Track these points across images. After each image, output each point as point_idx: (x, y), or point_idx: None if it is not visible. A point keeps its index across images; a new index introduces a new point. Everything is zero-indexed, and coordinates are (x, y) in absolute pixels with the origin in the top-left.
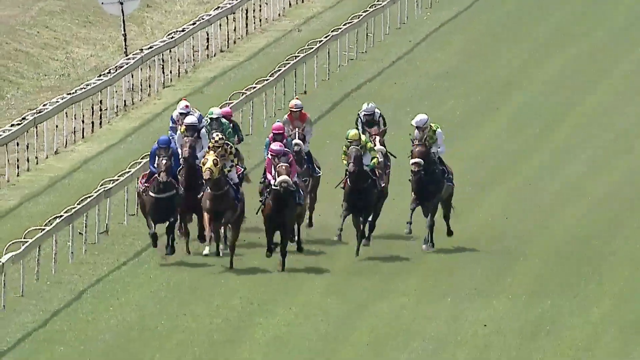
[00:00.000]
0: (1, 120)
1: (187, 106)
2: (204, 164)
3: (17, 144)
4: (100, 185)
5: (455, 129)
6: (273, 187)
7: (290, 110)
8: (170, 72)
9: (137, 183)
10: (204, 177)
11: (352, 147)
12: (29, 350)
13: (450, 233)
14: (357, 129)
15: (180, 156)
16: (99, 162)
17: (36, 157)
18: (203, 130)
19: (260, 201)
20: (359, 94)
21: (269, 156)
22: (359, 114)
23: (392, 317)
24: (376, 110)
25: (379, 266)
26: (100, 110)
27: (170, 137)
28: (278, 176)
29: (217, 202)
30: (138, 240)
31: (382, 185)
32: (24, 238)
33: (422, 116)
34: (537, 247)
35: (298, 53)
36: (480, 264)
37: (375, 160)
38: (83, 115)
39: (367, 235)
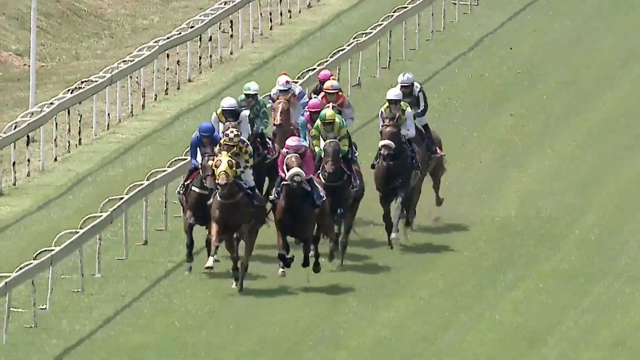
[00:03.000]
0: None
1: (287, 82)
2: (216, 167)
3: None
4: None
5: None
6: (284, 183)
7: (325, 92)
8: None
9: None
10: (219, 182)
11: (329, 141)
12: None
13: (439, 202)
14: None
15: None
16: (350, 17)
17: (289, 11)
18: (244, 113)
19: (271, 201)
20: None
21: (283, 151)
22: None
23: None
24: (415, 83)
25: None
26: None
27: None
28: (288, 170)
29: (227, 213)
30: None
31: (357, 184)
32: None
33: (397, 90)
34: None
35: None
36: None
37: (345, 147)
38: None
39: (341, 239)
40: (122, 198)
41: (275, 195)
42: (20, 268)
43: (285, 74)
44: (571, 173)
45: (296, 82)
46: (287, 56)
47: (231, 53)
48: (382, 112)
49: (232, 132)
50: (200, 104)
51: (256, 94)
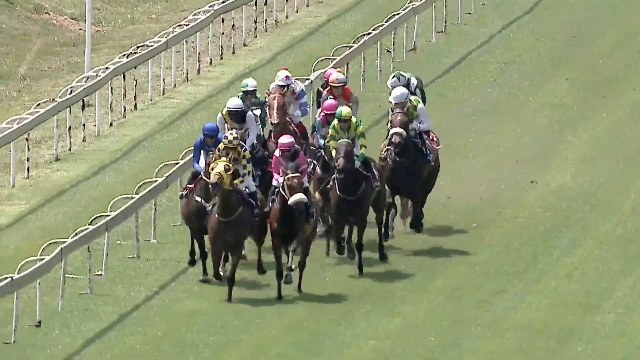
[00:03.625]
0: None
1: (287, 77)
2: (212, 169)
3: None
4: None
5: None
6: (282, 193)
7: (331, 86)
8: None
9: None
10: (211, 181)
11: (341, 141)
12: None
13: (415, 224)
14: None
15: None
16: None
17: None
18: (250, 113)
19: (265, 212)
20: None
21: (277, 152)
22: (389, 85)
23: None
24: (413, 79)
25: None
26: None
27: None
28: (290, 191)
29: (225, 232)
30: None
31: (376, 184)
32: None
33: (402, 89)
34: None
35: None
36: None
37: (364, 149)
38: None
39: (358, 248)
40: (177, 163)
41: (270, 203)
42: (76, 234)
43: (285, 69)
44: (627, 137)
45: (307, 78)
46: (341, 20)
47: (286, 17)
48: (390, 109)
49: (231, 134)
50: (255, 68)
51: (255, 90)
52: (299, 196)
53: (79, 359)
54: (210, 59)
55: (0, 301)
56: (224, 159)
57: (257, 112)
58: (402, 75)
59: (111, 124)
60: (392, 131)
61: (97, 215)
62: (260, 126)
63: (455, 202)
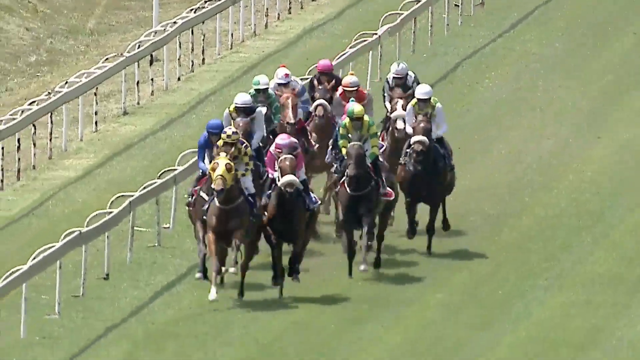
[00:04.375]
0: None
1: (286, 75)
2: (213, 170)
3: None
4: None
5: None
6: (276, 186)
7: (344, 89)
8: None
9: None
10: (214, 188)
11: (352, 144)
12: None
13: (446, 226)
14: (383, 95)
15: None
16: None
17: None
18: (259, 109)
19: (262, 206)
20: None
21: (272, 150)
22: (387, 79)
23: None
24: (410, 73)
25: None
26: None
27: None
28: (282, 174)
29: (225, 219)
30: None
31: (386, 192)
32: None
33: (427, 87)
34: None
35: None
36: None
37: (375, 149)
38: None
39: (367, 248)
40: None
41: (266, 198)
42: (144, 187)
43: (284, 66)
44: None
45: (374, 33)
46: None
47: None
48: (409, 109)
49: (230, 129)
50: (322, 23)
51: (267, 87)
52: (290, 177)
53: (147, 311)
54: (278, 14)
55: (68, 254)
56: (223, 155)
57: (264, 110)
58: (404, 65)
59: (179, 79)
60: (414, 139)
61: (165, 169)
62: (264, 126)
63: (524, 156)
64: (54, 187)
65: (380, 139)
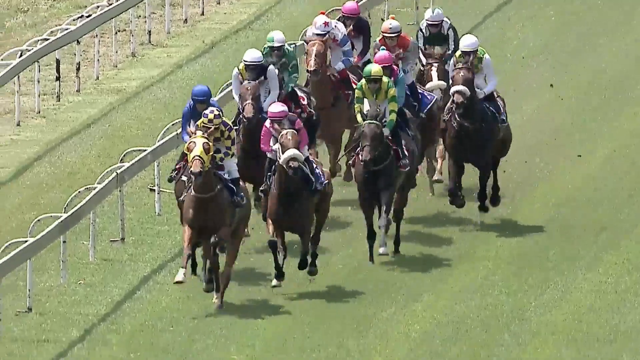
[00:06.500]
0: None
1: (326, 23)
2: (189, 150)
3: None
4: None
5: None
6: (277, 165)
7: (384, 35)
8: None
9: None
10: (191, 170)
11: (368, 122)
12: None
13: (483, 203)
14: (419, 47)
15: (239, 113)
16: None
17: None
18: (272, 68)
19: (261, 191)
20: None
21: (267, 122)
22: (420, 27)
23: None
24: (445, 19)
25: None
26: None
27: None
28: (283, 150)
29: (204, 211)
30: None
31: (407, 162)
32: None
33: (473, 37)
34: None
35: None
36: None
37: (393, 115)
38: None
39: (384, 232)
40: None
41: (267, 183)
42: None
43: (323, 13)
44: None
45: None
46: None
47: None
48: (452, 64)
49: (212, 111)
50: None
51: (282, 45)
52: (291, 152)
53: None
54: None
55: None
56: (200, 133)
57: (274, 68)
58: (439, 11)
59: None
60: (453, 89)
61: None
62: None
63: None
64: None
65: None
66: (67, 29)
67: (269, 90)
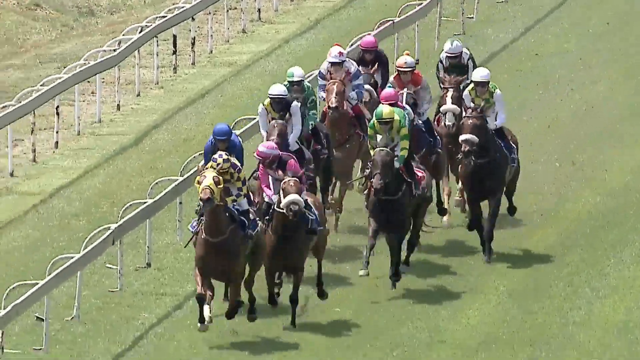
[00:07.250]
0: None
1: (340, 53)
2: (199, 183)
3: None
4: None
5: None
6: (276, 209)
7: (398, 70)
8: None
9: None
10: (200, 197)
11: (379, 150)
12: None
13: (513, 210)
14: (438, 77)
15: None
16: None
17: None
18: (295, 104)
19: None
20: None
21: (260, 165)
22: (440, 58)
23: None
24: (464, 50)
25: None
26: None
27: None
28: (284, 195)
29: (214, 254)
30: None
31: (421, 189)
32: None
33: (485, 70)
34: None
35: None
36: None
37: (404, 151)
38: None
39: (405, 260)
40: None
41: (265, 224)
42: None
43: (338, 45)
44: None
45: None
46: None
47: None
48: (466, 95)
49: (220, 156)
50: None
51: (302, 80)
52: (293, 197)
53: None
54: None
55: None
56: (211, 169)
57: (297, 104)
58: (458, 43)
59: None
60: (461, 138)
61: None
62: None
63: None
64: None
65: (436, 122)
66: (183, 7)
67: (292, 128)
